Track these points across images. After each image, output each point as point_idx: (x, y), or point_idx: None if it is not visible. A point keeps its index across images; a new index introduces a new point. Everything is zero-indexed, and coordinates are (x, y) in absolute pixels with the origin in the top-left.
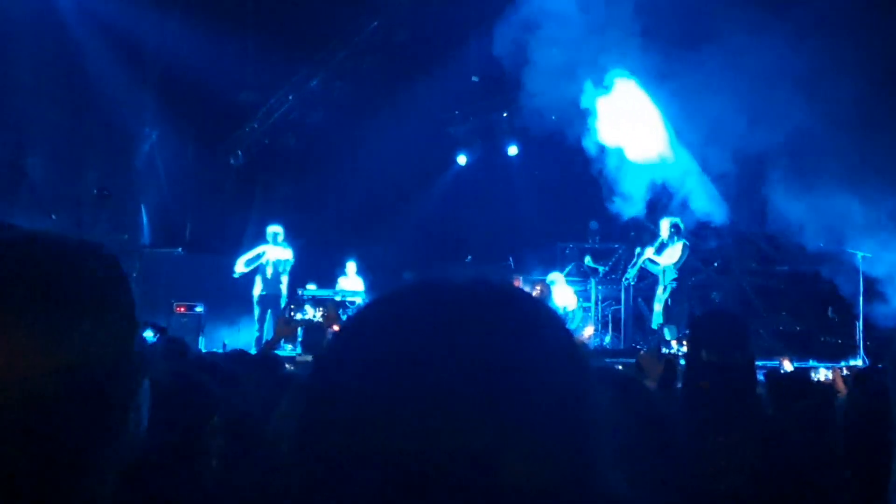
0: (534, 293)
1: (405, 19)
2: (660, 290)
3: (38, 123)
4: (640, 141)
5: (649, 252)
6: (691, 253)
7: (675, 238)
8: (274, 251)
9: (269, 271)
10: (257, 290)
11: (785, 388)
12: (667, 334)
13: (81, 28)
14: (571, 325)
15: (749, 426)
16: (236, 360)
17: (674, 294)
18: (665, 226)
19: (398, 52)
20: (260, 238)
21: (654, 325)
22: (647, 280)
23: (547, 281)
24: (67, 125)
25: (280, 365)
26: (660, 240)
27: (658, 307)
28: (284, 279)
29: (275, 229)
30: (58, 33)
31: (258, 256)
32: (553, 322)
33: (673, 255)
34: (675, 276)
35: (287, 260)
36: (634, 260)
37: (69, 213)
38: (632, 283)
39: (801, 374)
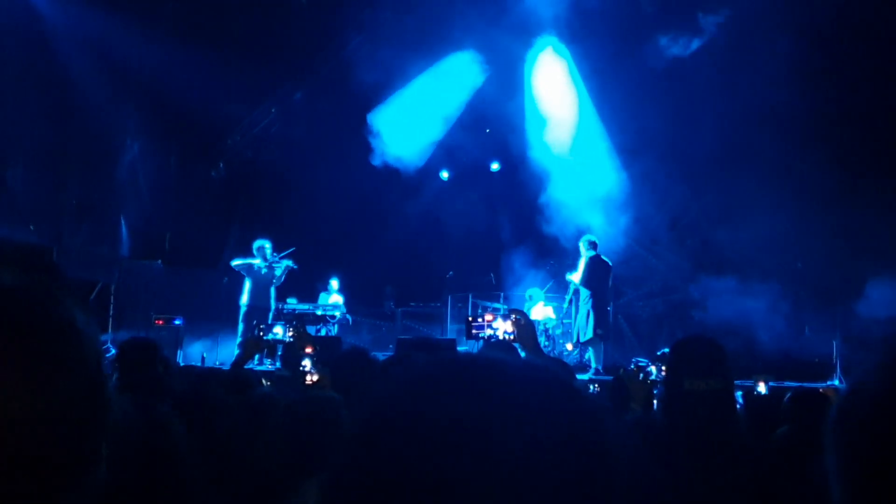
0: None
1: (389, 34)
2: (581, 305)
3: (18, 133)
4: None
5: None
6: (672, 271)
7: (587, 253)
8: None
9: (260, 281)
10: (244, 298)
11: (763, 410)
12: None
13: (64, 39)
14: (549, 342)
15: (730, 453)
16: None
17: (655, 313)
18: (581, 245)
19: (382, 66)
20: (242, 251)
21: (583, 339)
22: (627, 297)
23: (526, 296)
24: (49, 136)
25: (253, 384)
26: (580, 258)
27: (584, 322)
28: (273, 292)
29: (262, 244)
30: (40, 44)
31: (250, 264)
32: (576, 402)
33: (581, 269)
34: (589, 291)
35: (286, 269)
36: (570, 289)
37: (49, 224)
38: (566, 308)
39: (780, 398)
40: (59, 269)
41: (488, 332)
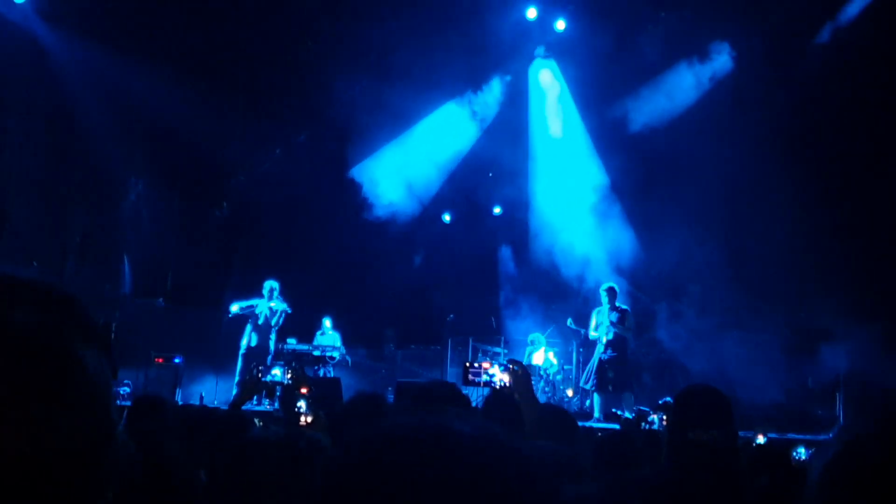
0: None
1: (396, 78)
2: (598, 352)
3: (23, 171)
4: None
5: (593, 322)
6: (672, 317)
7: (616, 303)
8: (268, 305)
9: (261, 323)
10: (245, 339)
11: (761, 463)
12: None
13: (70, 77)
14: (549, 388)
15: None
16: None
17: (656, 361)
18: (603, 293)
19: (385, 109)
20: (244, 291)
21: (588, 386)
22: (630, 345)
23: (528, 341)
24: (53, 173)
25: (247, 425)
26: (606, 307)
27: (601, 372)
28: (274, 334)
29: (272, 285)
30: (46, 82)
31: (251, 305)
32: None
33: (621, 320)
34: (614, 339)
35: (281, 312)
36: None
37: (52, 261)
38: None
39: (778, 450)
40: (79, 309)
41: (485, 377)
